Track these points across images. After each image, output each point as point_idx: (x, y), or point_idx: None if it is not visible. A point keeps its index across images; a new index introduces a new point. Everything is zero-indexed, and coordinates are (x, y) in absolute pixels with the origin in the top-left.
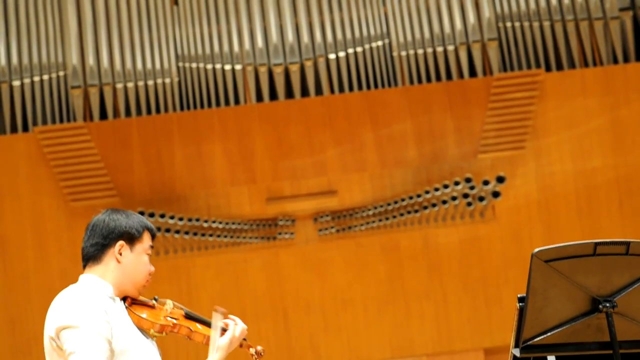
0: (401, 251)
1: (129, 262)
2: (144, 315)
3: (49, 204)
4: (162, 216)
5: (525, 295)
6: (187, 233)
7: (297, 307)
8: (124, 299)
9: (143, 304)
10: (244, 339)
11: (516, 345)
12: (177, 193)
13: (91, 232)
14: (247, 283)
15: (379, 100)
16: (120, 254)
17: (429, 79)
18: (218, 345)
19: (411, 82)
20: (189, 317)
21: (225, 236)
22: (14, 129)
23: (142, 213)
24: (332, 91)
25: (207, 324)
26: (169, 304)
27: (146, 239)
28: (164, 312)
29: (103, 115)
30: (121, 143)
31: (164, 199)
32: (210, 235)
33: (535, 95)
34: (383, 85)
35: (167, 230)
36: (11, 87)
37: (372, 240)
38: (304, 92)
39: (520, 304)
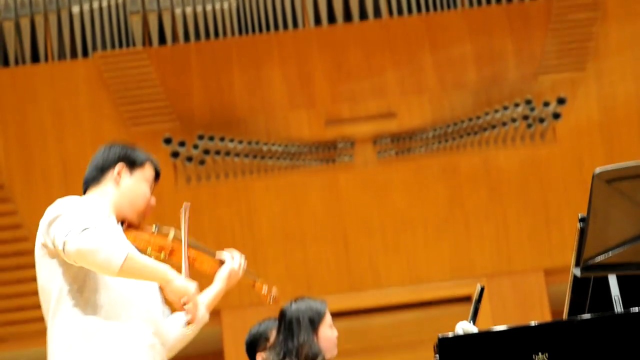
0: (461, 173)
1: (127, 186)
2: (140, 236)
3: (109, 128)
4: (222, 139)
5: (586, 215)
6: (246, 156)
7: (357, 229)
8: (121, 224)
9: (141, 230)
10: (256, 279)
11: (577, 265)
12: (236, 117)
13: (93, 158)
14: (306, 206)
15: (439, 23)
16: (119, 176)
17: (488, 1)
18: (218, 276)
19: (471, 4)
20: (192, 246)
21: (285, 159)
22: (74, 55)
23: (201, 137)
24: (390, 14)
25: (211, 255)
26: (171, 232)
27: (148, 169)
28: (164, 238)
29: (162, 40)
30: (180, 68)
31: (224, 122)
32: (270, 158)
33: (597, 16)
34: (442, 8)
35: (227, 154)
36: (70, 14)
37: (431, 163)
38: (363, 15)
39: (581, 224)
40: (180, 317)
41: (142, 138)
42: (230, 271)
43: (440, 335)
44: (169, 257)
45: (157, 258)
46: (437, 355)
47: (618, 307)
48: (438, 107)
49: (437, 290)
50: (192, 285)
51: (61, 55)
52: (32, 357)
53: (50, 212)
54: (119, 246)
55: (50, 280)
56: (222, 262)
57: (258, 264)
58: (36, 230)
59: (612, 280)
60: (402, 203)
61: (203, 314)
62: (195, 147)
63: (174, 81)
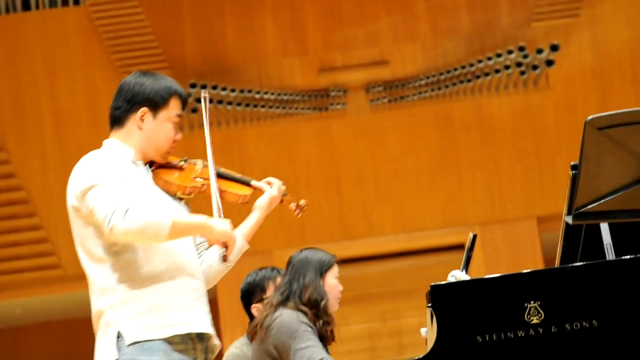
0: (454, 121)
1: (150, 129)
2: (169, 179)
3: (102, 77)
4: (214, 88)
5: (578, 163)
6: (239, 104)
7: (350, 177)
8: (150, 164)
9: (170, 167)
10: (284, 194)
11: (569, 213)
12: (229, 65)
13: (117, 94)
14: (299, 154)
15: None
16: (142, 120)
17: None
18: (257, 204)
19: None
20: (221, 176)
21: (278, 107)
22: (65, 3)
23: (194, 85)
24: None
25: (242, 182)
26: (199, 163)
27: (173, 106)
28: (194, 173)
29: None
30: (172, 15)
31: (216, 70)
32: (263, 107)
33: None
34: None
35: (220, 102)
36: None
37: (424, 110)
38: None
39: (574, 171)
40: (218, 251)
41: None
42: (269, 199)
43: (432, 283)
44: (202, 194)
45: (189, 198)
46: (430, 303)
47: (610, 255)
48: (431, 54)
49: (430, 239)
50: (228, 227)
51: (52, 3)
52: (27, 306)
53: (82, 176)
54: (162, 217)
55: (87, 242)
56: (253, 188)
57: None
58: (29, 179)
59: (604, 227)
60: (395, 151)
61: (243, 245)
62: (188, 95)
63: (166, 28)
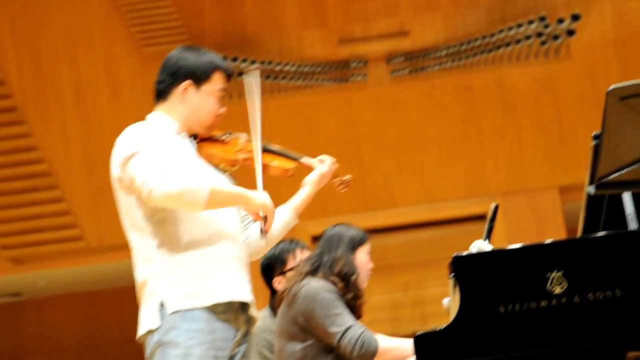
0: (475, 91)
1: (193, 102)
2: (212, 152)
3: (122, 50)
4: (234, 59)
5: (600, 133)
6: (259, 76)
7: (371, 148)
8: (194, 137)
9: (214, 140)
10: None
11: (591, 183)
12: (248, 36)
13: (162, 68)
14: (320, 125)
15: None
16: (185, 94)
17: None
18: (307, 180)
19: None
20: (265, 150)
21: (298, 79)
22: None
23: None
24: None
25: (286, 156)
26: (243, 137)
27: (216, 80)
28: (237, 147)
29: None
30: None
31: (236, 42)
32: (283, 78)
33: None
34: None
35: (240, 74)
36: None
37: (445, 81)
38: None
39: (595, 141)
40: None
41: (154, 59)
42: (320, 175)
43: (455, 254)
44: (245, 167)
45: (232, 171)
46: (452, 274)
47: (632, 225)
48: (451, 24)
49: (452, 209)
50: (268, 200)
51: None
52: (49, 278)
53: (125, 146)
54: (201, 184)
55: (130, 212)
56: (298, 163)
57: (272, 185)
58: (50, 151)
59: (627, 197)
60: (416, 122)
61: (292, 218)
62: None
63: (185, 0)
